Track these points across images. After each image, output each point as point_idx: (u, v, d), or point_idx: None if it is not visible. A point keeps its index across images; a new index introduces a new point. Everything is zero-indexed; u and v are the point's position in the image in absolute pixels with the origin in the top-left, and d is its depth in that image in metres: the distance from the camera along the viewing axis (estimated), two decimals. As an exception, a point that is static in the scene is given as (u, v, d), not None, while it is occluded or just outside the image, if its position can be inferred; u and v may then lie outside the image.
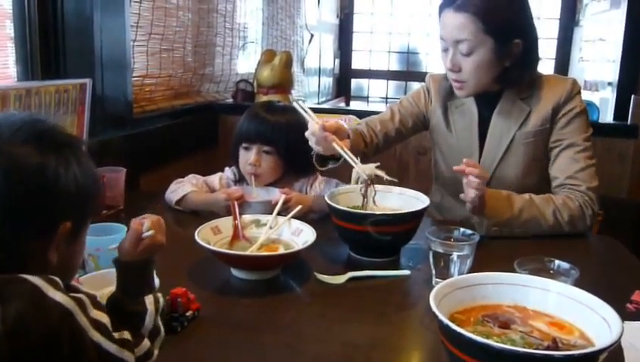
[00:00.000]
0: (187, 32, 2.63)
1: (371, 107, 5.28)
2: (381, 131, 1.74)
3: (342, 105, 5.39)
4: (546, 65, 4.96)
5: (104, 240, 1.18)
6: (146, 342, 0.80)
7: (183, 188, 1.72)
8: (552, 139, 1.60)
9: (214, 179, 1.85)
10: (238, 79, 3.14)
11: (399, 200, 1.48)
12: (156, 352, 0.82)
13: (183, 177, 1.79)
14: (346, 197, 1.46)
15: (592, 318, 0.82)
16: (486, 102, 1.64)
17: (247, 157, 1.72)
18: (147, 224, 0.88)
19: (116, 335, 0.74)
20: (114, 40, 2.04)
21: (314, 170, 1.68)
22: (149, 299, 0.84)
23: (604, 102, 3.71)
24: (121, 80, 2.10)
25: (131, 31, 2.15)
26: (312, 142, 1.47)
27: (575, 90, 1.59)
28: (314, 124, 1.45)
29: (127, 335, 0.76)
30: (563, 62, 4.91)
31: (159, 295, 0.87)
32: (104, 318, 0.72)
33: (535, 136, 1.60)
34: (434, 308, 0.80)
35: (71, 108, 1.62)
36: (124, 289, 0.85)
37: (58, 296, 0.67)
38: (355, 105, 5.68)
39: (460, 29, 1.48)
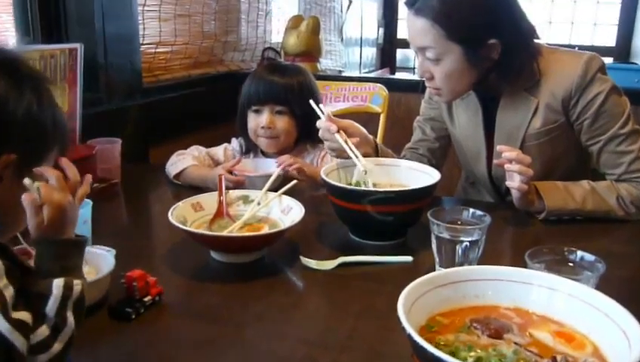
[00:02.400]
0: (206, -4, 2.49)
1: (398, 75, 5.02)
2: (427, 151, 1.61)
3: (387, 76, 5.16)
4: (607, 32, 4.55)
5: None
6: (44, 331, 0.67)
7: (183, 161, 1.60)
8: (585, 138, 1.36)
9: (218, 150, 1.73)
10: (266, 47, 2.98)
11: (408, 174, 1.30)
12: (57, 347, 0.68)
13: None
14: (346, 172, 1.29)
15: (610, 330, 0.64)
16: (487, 95, 1.42)
17: (259, 120, 1.60)
18: (30, 181, 0.74)
19: (14, 314, 0.64)
20: (119, 4, 1.92)
21: None
22: (56, 283, 0.70)
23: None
24: (127, 47, 1.99)
25: (139, -6, 2.03)
26: (320, 134, 1.36)
27: (591, 73, 1.31)
28: (324, 117, 1.34)
29: (26, 317, 0.65)
30: (627, 28, 4.48)
31: (77, 282, 0.72)
32: (8, 291, 0.64)
33: (549, 135, 1.37)
34: (400, 311, 0.63)
35: (60, 75, 1.52)
36: (37, 267, 0.74)
37: None
38: (399, 76, 5.43)
39: (422, 35, 1.28)
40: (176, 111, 2.27)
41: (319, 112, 1.36)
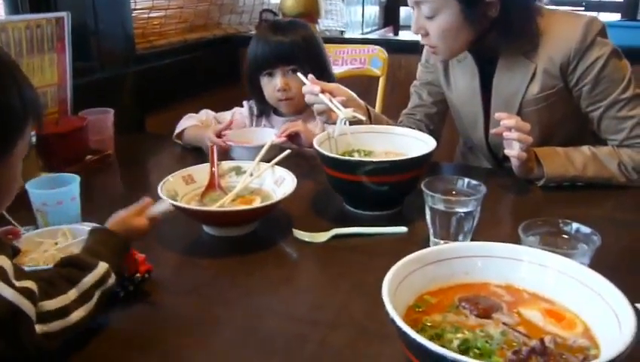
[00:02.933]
0: (199, -43, 2.42)
1: (400, 34, 4.94)
2: (425, 116, 1.58)
3: (390, 35, 5.05)
4: (610, 18, 4.40)
5: (51, 194, 1.05)
6: (67, 298, 0.72)
7: (187, 122, 1.64)
8: (585, 103, 1.31)
9: (227, 115, 1.72)
10: (263, 8, 2.91)
11: (403, 141, 1.27)
12: (76, 316, 0.73)
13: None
14: (338, 141, 1.26)
15: (601, 309, 0.62)
16: (485, 58, 1.37)
17: (274, 83, 1.60)
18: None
19: (17, 283, 0.67)
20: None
21: None
22: (102, 264, 0.78)
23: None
24: (119, 12, 1.93)
25: (129, -44, 1.96)
26: (306, 100, 1.35)
27: (590, 37, 1.25)
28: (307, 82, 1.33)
29: (29, 284, 0.68)
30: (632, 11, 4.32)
31: (113, 277, 0.81)
32: (5, 263, 0.67)
33: (547, 100, 1.33)
34: (384, 293, 0.61)
35: (47, 45, 1.47)
36: (86, 248, 0.82)
37: None
38: (404, 35, 5.32)
39: None
40: (173, 77, 2.23)
41: (303, 79, 1.35)
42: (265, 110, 1.69)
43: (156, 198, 0.98)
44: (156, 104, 2.10)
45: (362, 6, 4.68)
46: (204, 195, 1.16)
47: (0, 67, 0.71)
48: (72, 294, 0.72)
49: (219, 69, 2.58)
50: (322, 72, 1.54)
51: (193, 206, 1.10)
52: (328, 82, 1.37)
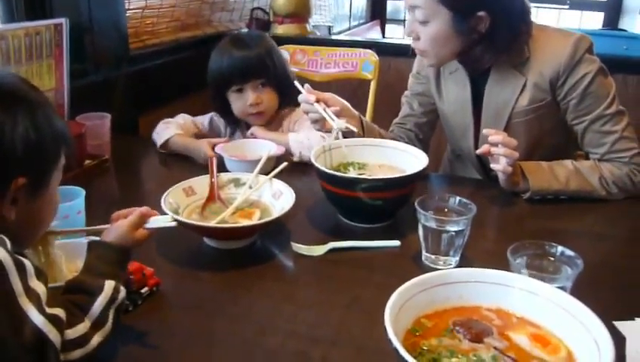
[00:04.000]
0: (192, -44, 2.42)
1: (390, 37, 5.00)
2: (415, 126, 1.62)
3: (377, 28, 5.09)
4: (594, 17, 4.49)
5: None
6: (85, 326, 0.75)
7: (168, 130, 1.64)
8: (570, 117, 1.38)
9: (205, 119, 1.75)
10: (254, 7, 2.92)
11: (396, 155, 1.32)
12: (95, 341, 0.75)
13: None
14: (333, 154, 1.31)
15: (583, 337, 0.68)
16: (477, 70, 1.42)
17: (245, 99, 1.61)
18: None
19: (48, 309, 0.70)
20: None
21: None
22: (108, 284, 0.80)
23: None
24: (113, 13, 1.94)
25: (124, -43, 1.97)
26: (302, 108, 1.41)
27: (579, 54, 1.32)
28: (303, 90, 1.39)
29: (59, 312, 0.71)
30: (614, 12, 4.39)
31: (123, 289, 0.82)
32: (40, 289, 0.70)
33: (536, 112, 1.39)
34: (387, 323, 0.66)
35: (46, 52, 1.49)
36: (89, 268, 0.83)
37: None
38: (390, 29, 5.36)
39: None
40: (165, 77, 2.24)
41: (299, 87, 1.40)
42: (238, 125, 1.71)
43: (154, 207, 0.98)
44: (149, 104, 2.12)
45: (350, -1, 4.70)
46: (205, 207, 1.20)
47: (32, 106, 0.75)
48: (88, 322, 0.75)
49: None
50: (288, 83, 1.56)
51: (196, 222, 1.14)
52: (292, 92, 1.43)
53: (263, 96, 1.61)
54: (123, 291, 0.82)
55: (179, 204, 1.18)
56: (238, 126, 1.71)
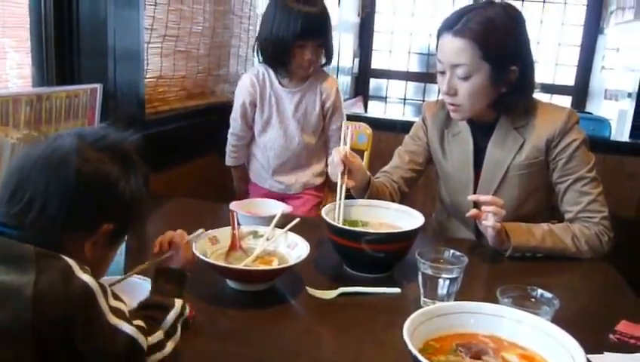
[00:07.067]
0: (202, 33, 2.67)
1: (388, 114, 5.37)
2: (400, 178, 1.79)
3: (360, 104, 5.40)
4: (567, 72, 4.90)
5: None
6: (161, 334, 0.89)
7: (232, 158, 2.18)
8: (556, 175, 1.61)
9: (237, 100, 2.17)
10: (253, 80, 3.16)
11: (396, 216, 1.50)
12: (169, 347, 0.90)
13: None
14: (343, 211, 1.48)
15: (563, 355, 0.84)
16: (481, 131, 1.66)
17: (304, 54, 1.90)
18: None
19: (134, 321, 0.84)
20: (128, 42, 2.08)
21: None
22: (178, 301, 0.97)
23: (622, 114, 3.65)
24: (134, 81, 2.14)
25: (145, 33, 2.19)
26: (329, 169, 1.58)
27: (571, 122, 1.58)
28: (342, 150, 1.52)
29: (141, 323, 0.85)
30: (585, 70, 4.84)
31: (186, 306, 1.00)
32: (122, 306, 0.84)
33: (529, 168, 1.62)
34: (406, 337, 0.82)
35: (81, 112, 1.67)
36: (159, 289, 1.00)
37: (85, 277, 0.78)
38: (372, 105, 5.68)
39: (457, 53, 1.49)
40: (173, 140, 2.42)
41: (343, 141, 1.57)
42: (280, 72, 2.00)
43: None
44: (158, 166, 2.29)
45: (337, 76, 5.03)
46: (229, 255, 1.35)
47: (140, 170, 0.93)
48: (162, 331, 0.90)
49: (212, 133, 2.79)
50: (332, 48, 1.93)
51: (226, 264, 1.28)
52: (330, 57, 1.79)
53: (317, 55, 1.88)
54: (187, 308, 0.99)
55: (205, 251, 1.32)
56: (280, 74, 2.04)
